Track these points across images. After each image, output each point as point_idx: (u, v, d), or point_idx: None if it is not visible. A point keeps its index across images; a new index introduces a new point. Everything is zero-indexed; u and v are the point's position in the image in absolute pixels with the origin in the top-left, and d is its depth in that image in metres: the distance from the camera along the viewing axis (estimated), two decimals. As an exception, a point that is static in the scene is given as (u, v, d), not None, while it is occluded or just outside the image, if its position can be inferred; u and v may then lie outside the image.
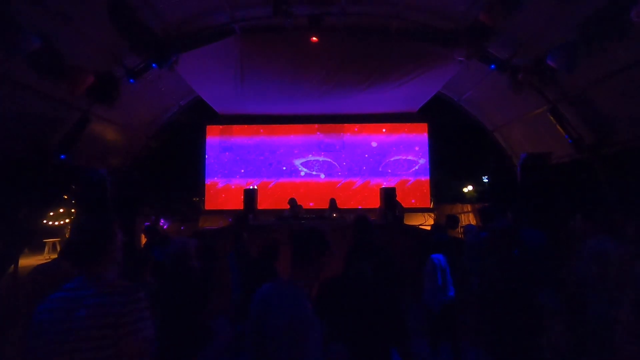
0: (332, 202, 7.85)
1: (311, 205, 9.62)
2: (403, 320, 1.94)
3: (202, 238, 5.73)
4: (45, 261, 3.30)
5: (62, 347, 1.33)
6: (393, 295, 1.97)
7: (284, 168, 10.25)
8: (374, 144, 10.34)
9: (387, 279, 2.46)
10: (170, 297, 2.52)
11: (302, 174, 10.26)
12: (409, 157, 10.27)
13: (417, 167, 10.23)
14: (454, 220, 5.12)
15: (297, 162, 10.29)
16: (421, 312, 3.84)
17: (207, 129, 10.31)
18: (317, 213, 7.88)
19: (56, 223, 17.75)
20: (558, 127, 6.37)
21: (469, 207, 10.30)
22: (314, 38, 5.75)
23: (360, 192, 10.18)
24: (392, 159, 10.29)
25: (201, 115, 10.17)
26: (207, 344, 2.85)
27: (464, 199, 20.08)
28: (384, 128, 10.37)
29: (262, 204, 9.22)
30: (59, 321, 1.36)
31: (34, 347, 1.36)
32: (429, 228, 8.42)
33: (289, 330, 1.51)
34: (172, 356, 2.39)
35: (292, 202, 7.96)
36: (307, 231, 1.71)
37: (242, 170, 10.23)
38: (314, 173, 10.25)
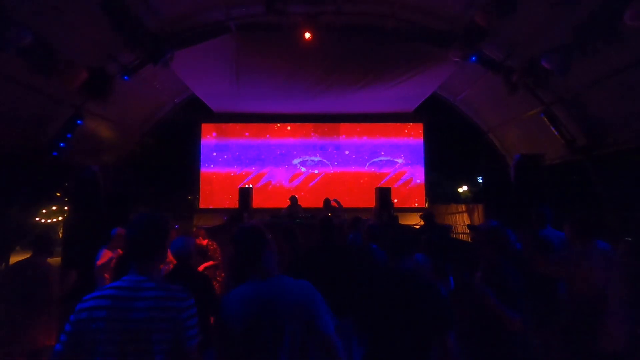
0: (326, 201, 7.83)
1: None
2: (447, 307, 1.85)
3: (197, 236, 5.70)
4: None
5: (116, 345, 1.31)
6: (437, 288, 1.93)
7: (280, 167, 10.23)
8: (369, 144, 10.34)
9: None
10: None
11: (298, 172, 10.24)
12: (404, 157, 10.29)
13: (412, 167, 10.25)
14: (426, 217, 5.22)
15: (293, 161, 10.27)
16: None
17: (202, 126, 10.25)
18: (315, 212, 7.87)
19: (49, 220, 17.59)
20: (552, 128, 6.42)
21: (463, 207, 10.33)
22: (307, 34, 5.72)
23: (355, 192, 10.18)
24: (387, 159, 10.30)
25: (196, 113, 10.11)
26: (210, 344, 2.82)
27: (459, 199, 20.22)
28: (380, 128, 10.38)
29: (258, 202, 9.20)
30: (111, 319, 1.33)
31: (75, 345, 1.33)
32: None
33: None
34: None
35: (293, 199, 7.94)
36: (246, 229, 1.68)
37: (237, 169, 10.19)
38: (310, 172, 10.23)
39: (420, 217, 5.31)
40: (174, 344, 1.35)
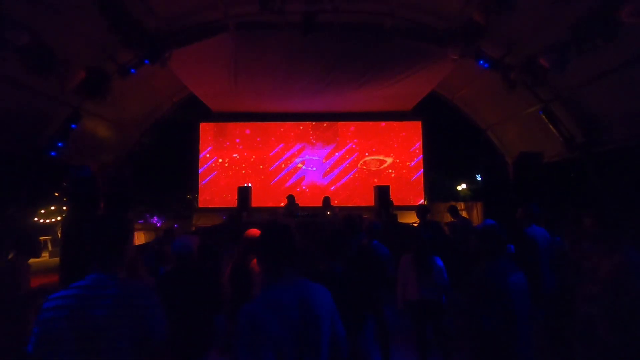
0: (326, 200, 7.84)
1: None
2: (374, 294, 1.97)
3: (200, 236, 5.70)
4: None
5: (80, 342, 1.31)
6: (362, 285, 2.00)
7: (278, 165, 10.22)
8: (368, 142, 10.34)
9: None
10: (175, 297, 2.46)
11: (297, 171, 10.24)
12: (403, 155, 10.29)
13: (411, 165, 10.26)
14: (420, 212, 5.26)
15: (292, 159, 10.26)
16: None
17: (200, 126, 10.24)
18: (312, 211, 7.87)
19: (47, 221, 17.57)
20: (550, 126, 6.43)
21: (462, 205, 10.35)
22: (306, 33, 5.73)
23: (355, 190, 10.19)
24: (386, 157, 10.30)
25: (195, 112, 10.11)
26: (212, 344, 2.81)
27: (457, 196, 20.25)
28: (378, 126, 10.38)
29: (257, 201, 9.20)
30: (75, 318, 1.34)
31: (43, 344, 1.34)
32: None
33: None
34: (178, 357, 2.35)
35: (290, 198, 7.94)
36: (278, 229, 1.65)
37: (236, 167, 10.18)
38: (308, 170, 10.23)
39: (416, 211, 5.34)
40: (139, 341, 1.35)
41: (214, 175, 10.15)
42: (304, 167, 10.24)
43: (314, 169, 10.24)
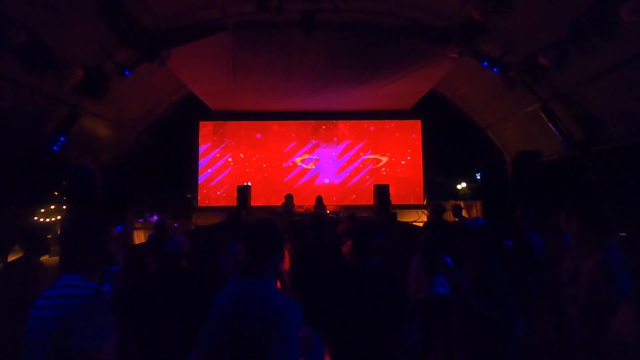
0: (319, 199, 7.86)
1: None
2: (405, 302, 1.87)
3: (198, 235, 5.71)
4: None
5: (42, 337, 1.32)
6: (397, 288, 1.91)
7: (277, 164, 10.22)
8: (367, 141, 10.34)
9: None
10: (159, 298, 2.45)
11: (296, 170, 10.24)
12: (403, 154, 10.29)
13: (410, 164, 10.26)
14: (438, 209, 5.17)
15: (291, 158, 10.26)
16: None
17: (200, 124, 10.24)
18: (310, 209, 7.88)
19: (47, 220, 17.58)
20: (550, 124, 6.43)
21: (462, 204, 10.35)
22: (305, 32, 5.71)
23: (354, 189, 10.19)
24: (385, 156, 10.30)
25: (194, 111, 10.09)
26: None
27: (457, 195, 20.24)
28: (378, 125, 10.37)
29: (257, 200, 9.21)
30: (40, 315, 1.36)
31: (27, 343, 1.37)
32: (421, 225, 8.48)
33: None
34: (164, 357, 2.34)
35: (288, 197, 7.93)
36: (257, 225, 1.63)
37: (236, 167, 10.18)
38: (307, 168, 10.23)
39: (432, 209, 5.23)
40: (90, 339, 1.31)
41: (213, 174, 10.15)
42: (303, 166, 10.24)
43: (313, 167, 10.24)
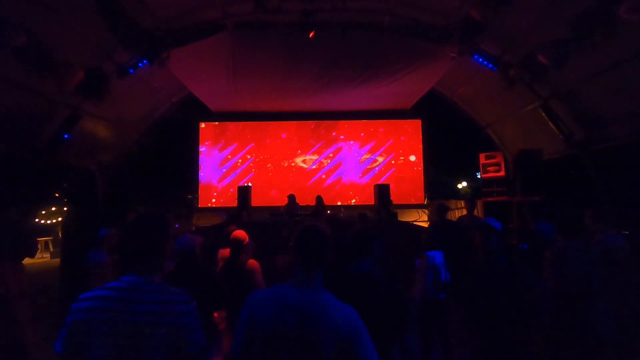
0: (319, 198, 7.85)
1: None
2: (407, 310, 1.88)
3: (202, 235, 5.70)
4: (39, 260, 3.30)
5: (118, 347, 1.26)
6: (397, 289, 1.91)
7: (278, 164, 10.23)
8: (367, 141, 10.34)
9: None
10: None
11: (296, 170, 10.24)
12: (403, 153, 10.29)
13: (410, 164, 10.25)
14: (440, 209, 5.10)
15: (292, 158, 10.27)
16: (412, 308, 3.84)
17: (200, 125, 10.25)
18: (312, 210, 7.87)
19: (48, 222, 17.59)
20: (550, 123, 6.42)
21: (462, 203, 10.34)
22: (305, 32, 5.71)
23: (354, 189, 10.19)
24: (385, 155, 10.30)
25: (194, 112, 10.10)
26: (214, 344, 2.81)
27: (458, 195, 20.23)
28: (378, 124, 10.37)
29: (257, 201, 9.21)
30: (114, 322, 1.29)
31: (76, 345, 1.29)
32: (424, 224, 8.47)
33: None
34: None
35: (291, 197, 7.93)
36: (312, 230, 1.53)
37: (236, 167, 10.19)
38: (309, 169, 10.23)
39: (437, 209, 5.17)
40: (174, 348, 1.30)
41: (213, 175, 10.16)
42: (304, 166, 10.24)
43: (314, 167, 10.24)
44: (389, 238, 5.94)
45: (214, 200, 10.08)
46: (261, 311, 1.42)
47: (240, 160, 10.21)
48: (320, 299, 1.43)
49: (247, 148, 10.24)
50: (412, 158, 10.27)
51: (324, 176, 10.21)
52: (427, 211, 9.89)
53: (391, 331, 1.80)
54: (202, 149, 10.20)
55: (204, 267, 2.85)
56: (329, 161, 10.27)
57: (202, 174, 10.15)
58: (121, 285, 1.36)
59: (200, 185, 10.13)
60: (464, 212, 10.32)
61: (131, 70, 6.07)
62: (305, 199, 9.28)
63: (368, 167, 10.27)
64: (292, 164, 10.25)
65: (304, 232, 1.52)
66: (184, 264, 2.71)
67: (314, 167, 10.24)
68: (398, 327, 1.79)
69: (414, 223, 8.55)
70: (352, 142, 10.35)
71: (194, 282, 2.57)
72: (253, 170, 10.18)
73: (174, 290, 1.40)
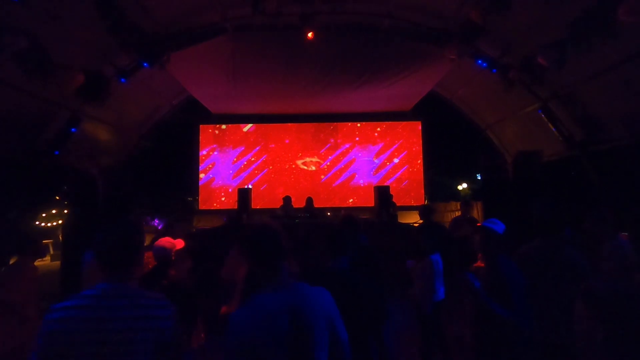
0: (309, 200, 7.87)
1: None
2: (383, 302, 1.98)
3: (196, 238, 5.71)
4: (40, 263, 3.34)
5: (94, 351, 1.24)
6: (372, 285, 1.99)
7: (278, 167, 10.24)
8: (367, 143, 10.36)
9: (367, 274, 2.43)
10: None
11: (296, 172, 10.24)
12: (403, 155, 10.30)
13: (410, 165, 10.26)
14: (426, 211, 5.09)
15: (291, 160, 10.28)
16: (410, 313, 3.81)
17: (200, 128, 10.27)
18: (303, 211, 7.87)
19: (48, 224, 17.60)
20: (549, 125, 6.42)
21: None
22: (305, 34, 5.72)
23: (355, 191, 10.19)
24: (385, 157, 10.31)
25: (194, 115, 10.12)
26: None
27: (458, 196, 20.22)
28: (378, 126, 10.39)
29: (258, 203, 9.22)
30: (89, 331, 1.26)
31: (51, 358, 1.25)
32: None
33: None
34: None
35: (287, 199, 7.94)
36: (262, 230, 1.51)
37: (237, 170, 10.20)
38: (308, 170, 10.24)
39: (423, 210, 5.19)
40: (157, 353, 1.29)
41: (213, 177, 10.17)
42: (304, 168, 10.25)
43: (313, 168, 10.25)
44: (387, 240, 5.96)
45: (215, 204, 10.08)
46: (248, 332, 1.32)
47: (239, 163, 10.22)
48: (300, 293, 1.43)
49: (247, 150, 10.25)
50: (413, 159, 10.27)
51: (323, 177, 10.22)
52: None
53: (367, 321, 1.92)
54: (202, 151, 10.21)
55: (177, 273, 2.72)
56: (329, 163, 10.28)
57: (201, 176, 10.15)
58: (97, 293, 1.34)
59: (200, 187, 10.13)
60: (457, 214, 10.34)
61: (131, 74, 6.09)
62: (302, 201, 9.29)
63: (368, 168, 10.27)
64: (292, 166, 10.26)
65: (256, 234, 1.47)
66: (159, 267, 2.67)
67: (313, 167, 10.25)
68: (374, 319, 1.90)
69: (414, 224, 8.54)
70: (351, 144, 10.36)
71: (164, 289, 2.51)
72: (253, 172, 10.19)
73: (152, 295, 1.39)
